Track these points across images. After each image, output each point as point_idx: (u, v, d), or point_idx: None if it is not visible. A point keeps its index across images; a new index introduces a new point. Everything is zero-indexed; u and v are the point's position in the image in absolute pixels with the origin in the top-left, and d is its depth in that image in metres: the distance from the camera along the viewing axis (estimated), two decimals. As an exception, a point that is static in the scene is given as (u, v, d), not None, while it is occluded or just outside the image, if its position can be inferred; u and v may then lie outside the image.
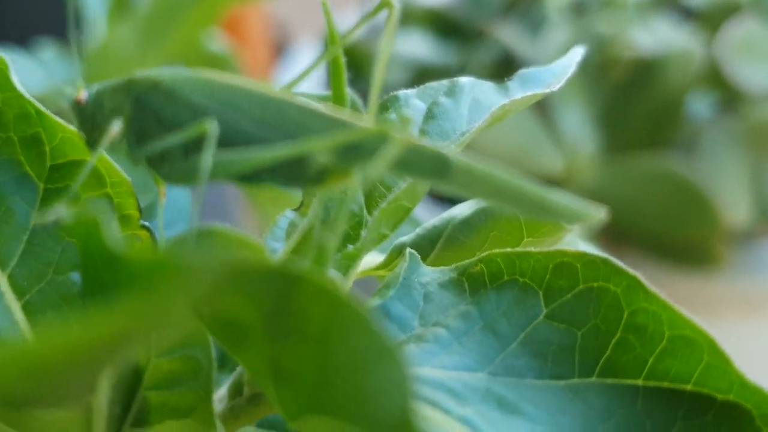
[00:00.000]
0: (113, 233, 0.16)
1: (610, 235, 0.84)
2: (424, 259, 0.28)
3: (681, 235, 0.81)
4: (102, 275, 0.18)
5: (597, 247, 0.31)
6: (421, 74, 0.95)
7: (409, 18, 1.08)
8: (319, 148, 0.22)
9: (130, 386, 0.24)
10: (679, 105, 0.83)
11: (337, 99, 0.25)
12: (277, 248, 0.27)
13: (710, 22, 0.86)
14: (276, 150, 0.22)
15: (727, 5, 0.86)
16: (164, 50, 0.74)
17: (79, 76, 0.79)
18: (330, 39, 0.26)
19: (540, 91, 0.28)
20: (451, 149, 0.23)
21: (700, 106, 0.85)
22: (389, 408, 0.16)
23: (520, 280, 0.24)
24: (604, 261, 0.24)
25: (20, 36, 0.78)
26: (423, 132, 0.27)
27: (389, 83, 1.05)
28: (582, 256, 0.24)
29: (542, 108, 0.85)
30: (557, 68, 0.30)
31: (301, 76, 0.26)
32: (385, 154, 0.21)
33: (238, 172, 0.23)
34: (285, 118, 0.23)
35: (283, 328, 0.18)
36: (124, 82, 0.25)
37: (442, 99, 0.28)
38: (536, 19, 0.96)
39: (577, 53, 0.31)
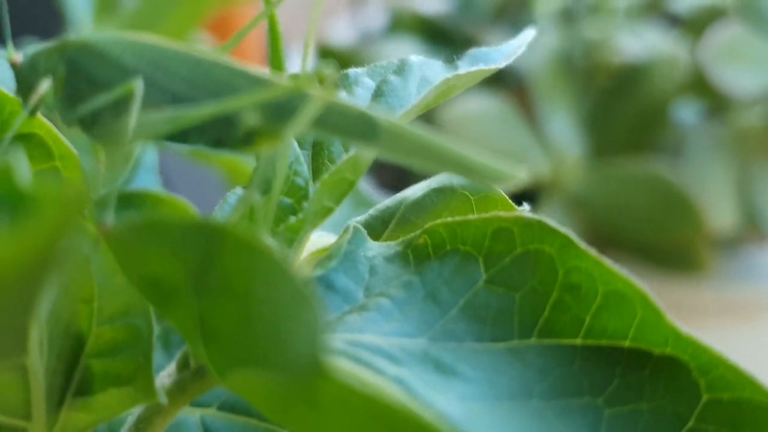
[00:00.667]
0: (24, 174, 0.16)
1: (597, 239, 0.84)
2: (375, 238, 0.28)
3: (667, 239, 0.81)
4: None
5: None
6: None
7: (400, 24, 1.08)
8: (242, 107, 0.22)
9: (72, 355, 0.24)
10: (664, 110, 0.83)
11: (275, 65, 0.26)
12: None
13: (696, 28, 0.87)
14: (202, 110, 0.23)
15: (712, 11, 0.86)
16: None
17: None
18: (266, 2, 0.26)
19: (485, 67, 0.28)
20: (377, 110, 0.23)
21: (685, 111, 0.86)
22: (303, 350, 0.17)
23: (462, 248, 0.24)
24: (539, 223, 0.24)
25: (3, 35, 0.79)
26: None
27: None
28: (518, 220, 0.24)
29: (529, 112, 0.86)
30: (507, 48, 0.30)
31: (237, 38, 0.26)
32: (305, 111, 0.21)
33: (166, 132, 0.23)
34: (212, 79, 0.23)
35: (208, 284, 0.19)
36: (57, 44, 0.25)
37: (391, 77, 0.28)
38: (525, 25, 0.96)
39: (529, 34, 0.31)
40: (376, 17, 1.14)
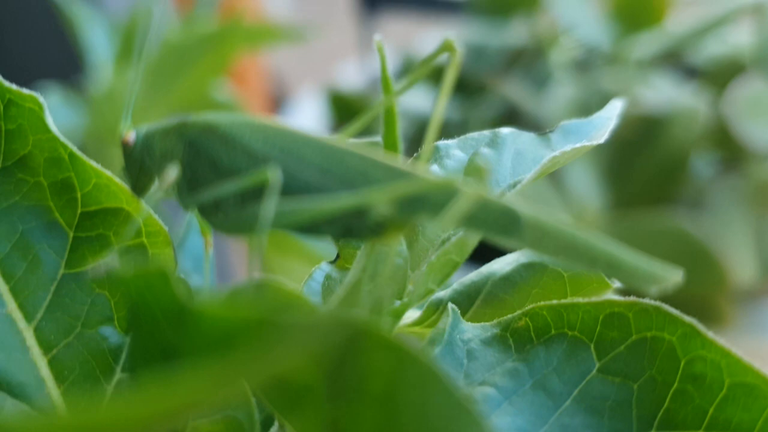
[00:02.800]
0: (183, 288, 0.15)
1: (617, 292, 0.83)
2: (461, 316, 0.26)
3: (687, 292, 0.80)
4: (161, 332, 0.17)
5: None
6: (424, 128, 0.94)
7: (412, 70, 1.07)
8: (381, 200, 0.21)
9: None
10: (684, 162, 0.82)
11: (390, 147, 0.24)
12: (313, 302, 0.25)
13: (714, 80, 0.86)
14: (337, 201, 0.21)
15: (731, 63, 0.86)
16: (171, 98, 0.74)
17: (84, 121, 0.78)
18: (384, 89, 0.25)
19: (587, 143, 0.27)
20: (520, 204, 0.22)
21: (704, 163, 0.85)
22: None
23: (569, 333, 0.23)
24: (657, 309, 0.22)
25: (25, 80, 0.77)
26: (465, 184, 0.26)
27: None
28: (633, 305, 0.23)
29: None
30: (598, 120, 0.29)
31: (356, 126, 0.25)
32: (455, 209, 0.20)
33: (297, 223, 0.22)
34: (346, 167, 0.22)
35: (344, 386, 0.17)
36: (176, 125, 0.23)
37: (485, 150, 0.27)
38: (540, 74, 0.96)
39: (616, 106, 0.30)
40: (386, 61, 1.13)
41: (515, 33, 1.02)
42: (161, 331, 0.17)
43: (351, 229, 0.22)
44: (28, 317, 0.24)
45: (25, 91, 0.24)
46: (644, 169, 0.83)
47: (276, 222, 0.21)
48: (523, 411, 0.22)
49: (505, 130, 0.28)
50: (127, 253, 0.24)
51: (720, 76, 0.85)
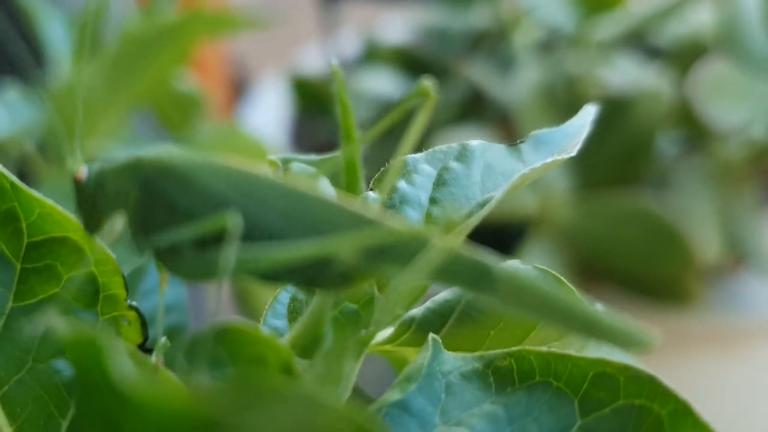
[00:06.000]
0: (122, 367, 0.13)
1: (585, 272, 0.82)
2: (435, 334, 0.25)
3: (654, 271, 0.80)
4: (104, 404, 0.15)
5: (572, 283, 0.29)
6: (384, 112, 0.93)
7: (375, 55, 1.06)
8: (346, 249, 0.20)
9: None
10: (649, 143, 0.82)
11: (351, 190, 0.23)
12: (278, 326, 0.24)
13: (677, 61, 0.86)
14: (300, 249, 0.20)
15: (693, 45, 0.85)
16: (133, 91, 0.71)
17: (44, 117, 0.75)
18: (345, 137, 0.23)
19: (558, 156, 0.25)
20: (493, 259, 0.21)
21: (669, 143, 0.84)
22: None
23: (554, 383, 0.22)
24: (651, 379, 0.21)
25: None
26: (433, 200, 0.25)
27: (357, 121, 1.02)
28: (626, 369, 0.21)
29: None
30: (570, 128, 0.28)
31: (328, 162, 0.23)
32: (425, 262, 0.19)
33: (257, 271, 0.20)
34: (312, 214, 0.21)
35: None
36: (131, 163, 0.22)
37: (453, 164, 0.25)
38: (503, 56, 0.94)
39: (589, 112, 0.29)
40: (347, 45, 1.12)
41: (478, 15, 1.00)
42: (105, 405, 0.15)
43: (314, 278, 0.21)
44: (-24, 354, 0.22)
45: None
46: (609, 150, 0.82)
47: (236, 269, 0.20)
48: (497, 461, 0.21)
49: (475, 143, 0.26)
50: (75, 284, 0.22)
51: (683, 57, 0.84)
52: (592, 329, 0.20)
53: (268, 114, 1.07)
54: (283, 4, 1.16)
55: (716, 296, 0.82)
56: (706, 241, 0.80)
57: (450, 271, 0.20)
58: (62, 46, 0.76)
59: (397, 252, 0.20)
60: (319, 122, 1.02)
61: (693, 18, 0.88)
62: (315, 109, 1.05)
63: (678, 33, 0.87)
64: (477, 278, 0.20)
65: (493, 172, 0.25)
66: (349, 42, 1.12)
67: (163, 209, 0.21)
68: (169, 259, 0.21)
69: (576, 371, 0.22)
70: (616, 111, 0.82)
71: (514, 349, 0.22)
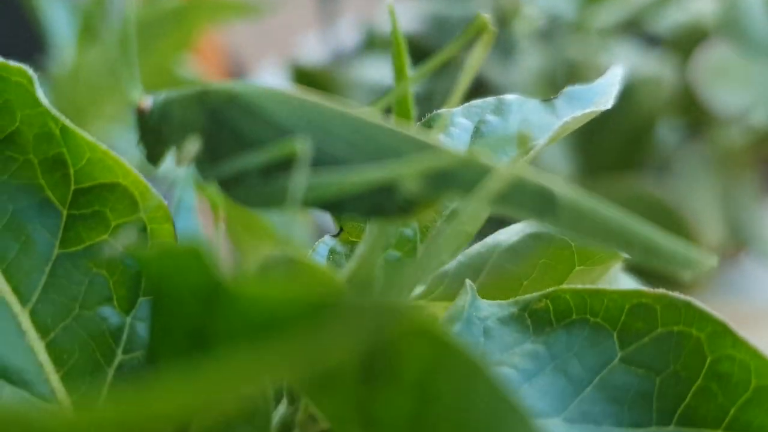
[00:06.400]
0: (218, 267, 0.13)
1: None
2: (467, 288, 0.25)
3: (655, 257, 0.81)
4: (193, 317, 0.15)
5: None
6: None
7: (375, 44, 1.06)
8: (411, 175, 0.20)
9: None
10: (650, 129, 0.82)
11: (403, 113, 0.23)
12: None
13: (677, 47, 0.86)
14: (365, 175, 0.20)
15: (693, 31, 0.86)
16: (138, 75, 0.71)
17: (49, 101, 0.75)
18: (397, 75, 0.23)
19: (593, 108, 0.26)
20: (557, 183, 0.21)
21: (670, 129, 0.85)
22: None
23: (591, 319, 0.22)
24: (687, 304, 0.22)
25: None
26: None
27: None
28: (662, 298, 0.22)
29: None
30: (600, 86, 0.28)
31: (383, 100, 0.24)
32: (488, 187, 0.19)
33: (323, 198, 0.20)
34: (376, 142, 0.21)
35: (378, 370, 0.16)
36: (197, 92, 0.22)
37: (490, 117, 0.26)
38: (504, 44, 0.95)
39: (617, 72, 0.29)
40: (347, 34, 1.12)
41: (478, 3, 1.01)
42: (188, 315, 0.16)
43: (379, 206, 0.21)
44: (23, 300, 0.23)
45: (12, 63, 0.23)
46: (612, 136, 0.83)
47: (304, 198, 0.20)
48: (544, 394, 0.22)
49: (511, 97, 0.27)
50: (125, 230, 0.23)
51: (683, 43, 0.85)
52: (652, 251, 0.21)
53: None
54: (282, -7, 1.16)
55: (718, 281, 0.83)
56: (707, 226, 0.81)
57: (514, 198, 0.21)
58: (65, 32, 0.77)
59: (459, 178, 0.20)
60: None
61: (692, 5, 0.89)
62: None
63: (678, 20, 0.88)
64: (540, 204, 0.21)
65: (530, 124, 0.26)
66: (348, 31, 1.12)
67: (230, 138, 0.21)
68: (234, 187, 0.21)
69: (612, 305, 0.22)
70: (617, 98, 0.83)
71: (549, 290, 0.23)
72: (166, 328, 0.17)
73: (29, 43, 0.81)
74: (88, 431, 0.13)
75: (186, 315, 0.16)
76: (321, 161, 0.21)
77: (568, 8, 0.91)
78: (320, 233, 0.29)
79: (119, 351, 0.23)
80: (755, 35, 0.77)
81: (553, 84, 0.87)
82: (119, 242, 0.21)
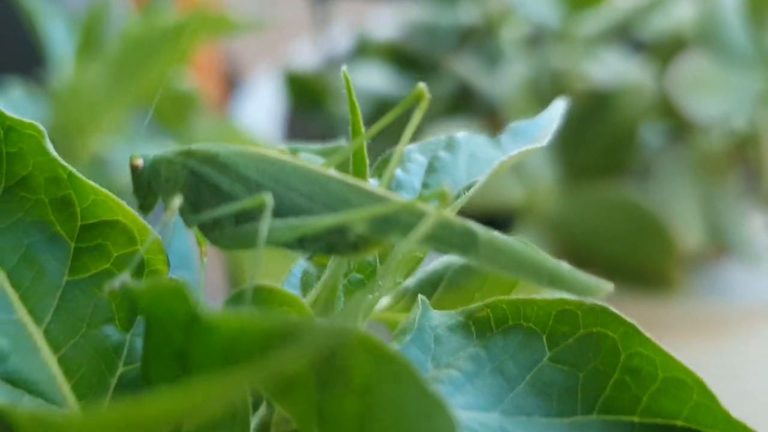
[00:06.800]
0: (200, 302, 0.18)
1: (570, 260, 0.87)
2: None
3: (638, 259, 0.84)
4: (173, 340, 0.20)
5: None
6: (380, 106, 0.98)
7: (366, 51, 1.10)
8: (357, 220, 0.25)
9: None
10: (632, 134, 0.86)
11: (359, 176, 0.28)
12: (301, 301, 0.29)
13: (659, 54, 0.90)
14: (320, 221, 0.25)
15: (674, 39, 0.90)
16: (135, 90, 0.76)
17: (47, 115, 0.79)
18: (353, 131, 0.28)
19: (531, 146, 0.30)
20: (477, 225, 0.26)
21: (652, 135, 0.89)
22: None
23: (525, 324, 0.27)
24: (603, 309, 0.26)
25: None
26: (425, 185, 0.30)
27: (347, 116, 1.06)
28: (582, 305, 0.26)
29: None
30: (542, 121, 0.33)
31: (339, 154, 0.28)
32: (421, 229, 0.24)
33: (286, 239, 0.25)
34: (329, 193, 0.26)
35: (330, 379, 0.20)
36: (180, 153, 0.27)
37: (442, 153, 0.30)
38: (491, 52, 0.99)
39: (559, 106, 0.33)
40: (339, 40, 1.16)
41: (466, 11, 1.05)
42: (173, 341, 0.20)
43: (333, 245, 0.26)
44: (38, 321, 0.27)
45: (26, 120, 0.27)
46: (594, 142, 0.87)
47: (268, 239, 0.25)
48: (483, 392, 0.26)
49: (460, 135, 0.31)
50: (123, 261, 0.27)
51: (664, 50, 0.89)
52: (557, 281, 0.25)
53: (262, 109, 1.11)
54: (275, 1, 1.20)
55: (698, 283, 0.87)
56: (687, 229, 0.85)
57: (442, 237, 0.25)
58: (64, 46, 0.80)
59: (399, 222, 0.25)
60: (311, 116, 1.07)
61: (676, 12, 0.93)
62: (307, 104, 1.09)
63: (660, 27, 0.92)
64: (464, 242, 0.25)
65: (477, 159, 0.30)
66: (340, 38, 1.16)
67: (208, 191, 0.26)
68: (211, 231, 0.26)
69: (541, 312, 0.26)
70: (600, 104, 0.87)
71: (489, 300, 0.27)
72: (155, 349, 0.22)
73: (28, 57, 0.85)
74: (96, 430, 0.17)
75: (170, 340, 0.20)
76: (283, 210, 0.26)
77: (553, 17, 0.95)
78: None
79: (120, 363, 0.27)
80: (731, 45, 0.81)
81: (539, 91, 0.91)
82: (120, 278, 0.26)
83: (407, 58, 1.05)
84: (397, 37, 1.08)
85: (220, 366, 0.18)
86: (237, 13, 0.81)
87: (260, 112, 1.12)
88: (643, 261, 0.85)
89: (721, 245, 0.87)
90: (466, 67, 0.98)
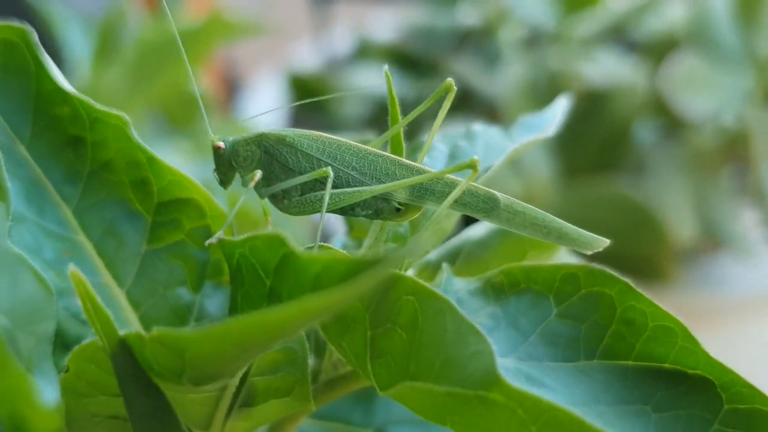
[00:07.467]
0: (294, 245, 0.24)
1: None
2: (447, 272, 0.36)
3: (632, 252, 0.90)
4: (266, 283, 0.25)
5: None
6: (381, 107, 1.03)
7: (367, 52, 1.16)
8: (399, 189, 0.31)
9: (242, 375, 0.31)
10: (626, 132, 0.92)
11: (396, 149, 0.34)
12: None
13: (652, 53, 0.96)
14: (369, 190, 0.31)
15: (666, 39, 0.96)
16: (151, 92, 0.81)
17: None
18: (392, 119, 0.34)
19: (539, 135, 0.36)
20: (498, 192, 0.32)
21: (645, 132, 0.95)
22: (478, 370, 0.24)
23: (534, 287, 0.32)
24: (601, 271, 0.32)
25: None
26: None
27: (351, 117, 1.13)
28: (583, 268, 0.32)
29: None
30: (548, 115, 0.39)
31: (383, 137, 0.34)
32: (452, 196, 0.30)
33: (341, 206, 0.32)
34: (376, 167, 0.32)
35: (381, 318, 0.26)
36: (255, 136, 0.33)
37: (461, 142, 0.36)
38: (489, 53, 1.05)
39: (563, 102, 0.39)
40: (340, 42, 1.22)
41: (464, 13, 1.11)
42: (263, 282, 0.26)
43: (380, 210, 0.32)
44: (121, 284, 0.33)
45: (114, 111, 0.33)
46: (590, 139, 0.93)
47: (328, 206, 0.31)
48: (500, 342, 0.32)
49: (477, 126, 0.37)
50: (195, 233, 0.33)
51: (657, 50, 0.95)
52: (563, 237, 0.32)
53: (265, 109, 1.16)
54: (275, 3, 1.25)
55: (691, 276, 0.92)
56: (680, 223, 0.90)
57: (469, 202, 0.32)
58: (81, 49, 0.85)
59: (434, 190, 0.32)
60: (314, 116, 1.12)
61: (668, 13, 0.99)
62: (310, 104, 1.14)
63: (653, 28, 0.98)
64: (488, 207, 0.32)
65: (492, 147, 0.36)
66: (340, 39, 1.22)
67: (278, 167, 0.32)
68: (282, 201, 0.32)
69: (548, 276, 0.32)
70: (595, 103, 0.93)
71: (503, 267, 0.33)
72: (246, 294, 0.27)
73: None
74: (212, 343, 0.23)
75: (261, 282, 0.26)
76: (339, 182, 0.32)
77: (549, 18, 1.01)
78: (315, 233, 0.39)
79: (192, 319, 0.33)
80: (721, 45, 0.87)
81: (536, 90, 0.97)
82: (217, 235, 0.32)
83: (407, 60, 1.10)
84: (397, 39, 1.13)
85: (308, 295, 0.24)
86: (239, 16, 0.87)
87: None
88: (638, 254, 0.90)
89: (713, 239, 0.93)
90: (464, 68, 1.03)
